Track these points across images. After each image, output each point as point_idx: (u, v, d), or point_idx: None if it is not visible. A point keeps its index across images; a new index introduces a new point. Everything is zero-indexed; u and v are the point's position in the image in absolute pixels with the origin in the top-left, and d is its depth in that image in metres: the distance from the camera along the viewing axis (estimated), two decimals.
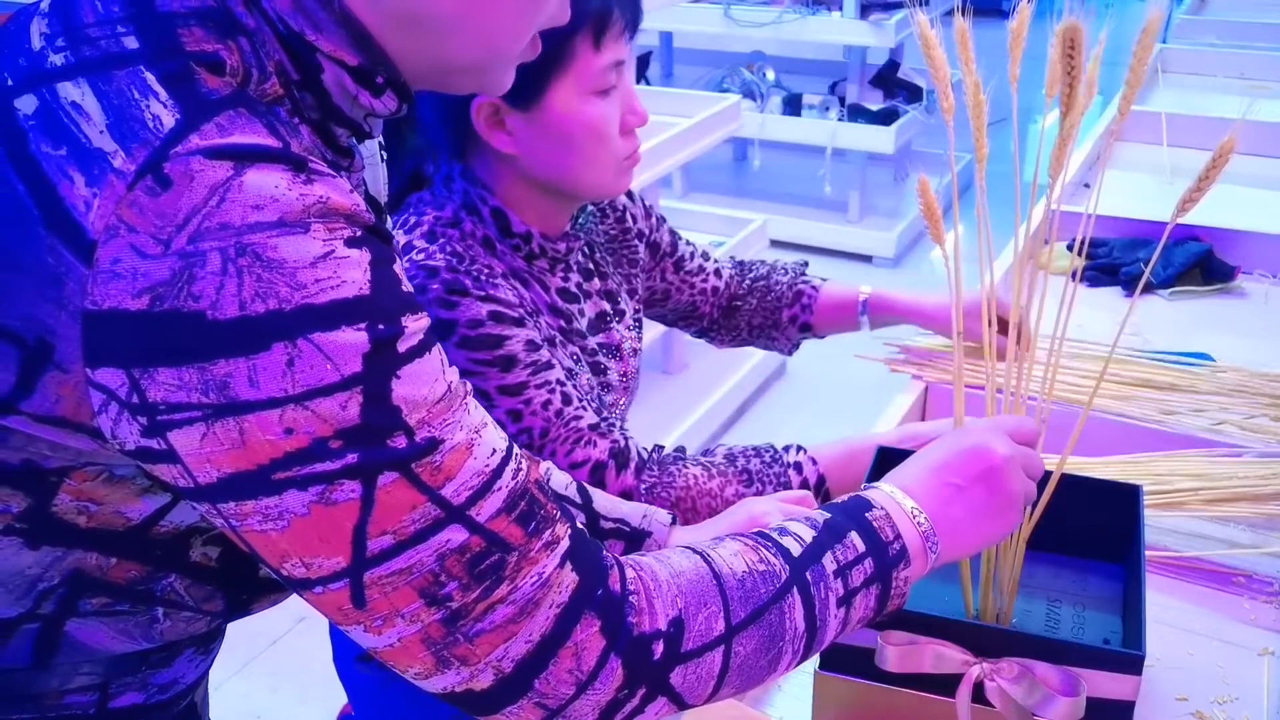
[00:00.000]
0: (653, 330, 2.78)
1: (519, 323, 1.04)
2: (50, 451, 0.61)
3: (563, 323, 1.13)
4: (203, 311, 0.53)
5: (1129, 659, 0.80)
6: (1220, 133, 0.81)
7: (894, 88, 4.25)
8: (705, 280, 1.35)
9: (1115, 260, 1.72)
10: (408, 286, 0.60)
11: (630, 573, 0.66)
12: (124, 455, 0.59)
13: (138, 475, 0.63)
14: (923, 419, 1.40)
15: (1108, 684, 0.81)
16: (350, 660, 1.22)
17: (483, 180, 1.09)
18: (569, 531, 0.64)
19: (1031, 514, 0.89)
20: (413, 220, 1.08)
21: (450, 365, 0.62)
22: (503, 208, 1.08)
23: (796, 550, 0.71)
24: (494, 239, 1.08)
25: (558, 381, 1.05)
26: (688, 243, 1.36)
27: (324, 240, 0.55)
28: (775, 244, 3.88)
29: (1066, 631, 0.96)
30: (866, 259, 4.15)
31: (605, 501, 0.99)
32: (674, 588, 0.66)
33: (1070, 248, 1.71)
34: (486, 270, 1.04)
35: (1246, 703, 0.95)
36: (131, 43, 0.56)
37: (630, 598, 0.64)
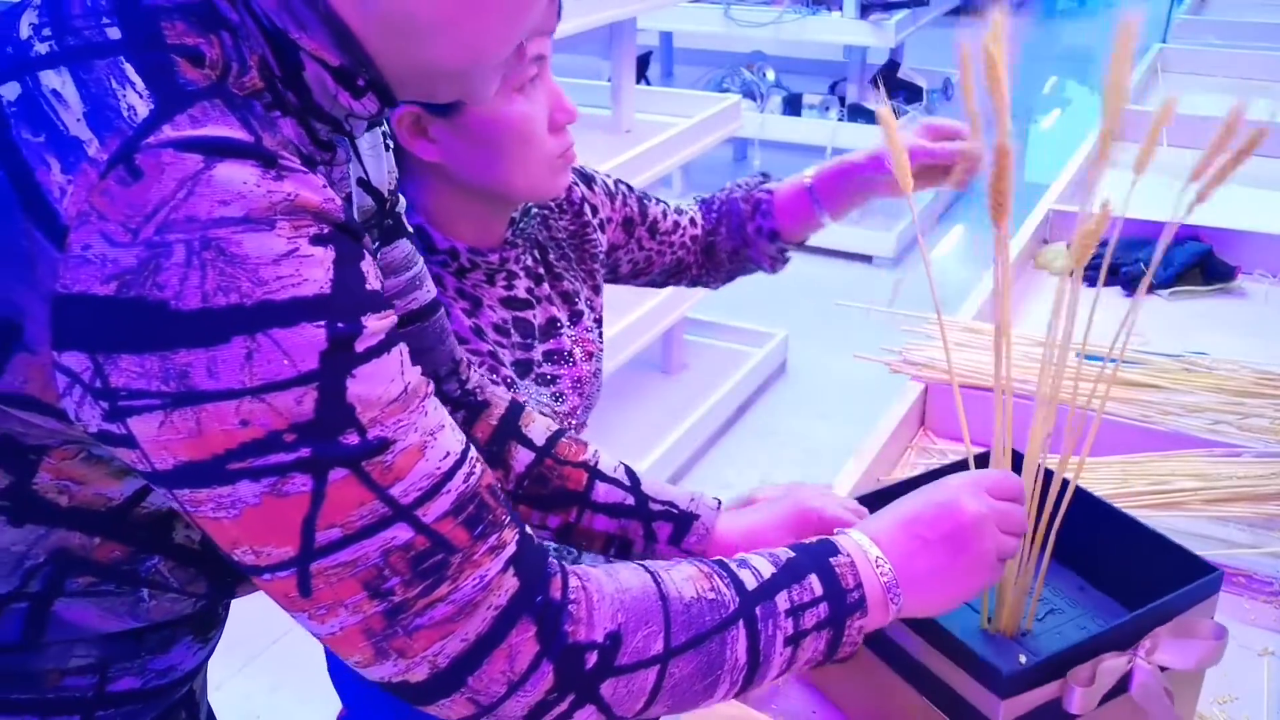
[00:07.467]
0: (652, 330, 2.78)
1: None
2: (23, 429, 0.62)
3: (500, 339, 1.08)
4: (166, 301, 0.54)
5: (1209, 583, 0.86)
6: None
7: (894, 88, 4.26)
8: (682, 235, 1.31)
9: (1115, 260, 1.72)
10: (373, 285, 0.60)
11: (574, 581, 0.67)
12: (88, 437, 0.60)
13: (114, 457, 0.64)
14: (922, 420, 1.40)
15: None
16: (344, 666, 1.21)
17: (410, 198, 1.04)
18: (516, 537, 0.65)
19: (1048, 527, 0.88)
20: None
21: (414, 365, 0.62)
22: (425, 225, 1.05)
23: (751, 584, 0.72)
24: None
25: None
26: (657, 201, 1.30)
27: (289, 238, 0.56)
28: None
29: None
30: (867, 259, 4.16)
31: (654, 484, 0.98)
32: (616, 602, 0.68)
33: (1069, 247, 1.70)
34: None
35: (1246, 703, 0.95)
36: (114, 33, 0.57)
37: (569, 606, 0.66)
